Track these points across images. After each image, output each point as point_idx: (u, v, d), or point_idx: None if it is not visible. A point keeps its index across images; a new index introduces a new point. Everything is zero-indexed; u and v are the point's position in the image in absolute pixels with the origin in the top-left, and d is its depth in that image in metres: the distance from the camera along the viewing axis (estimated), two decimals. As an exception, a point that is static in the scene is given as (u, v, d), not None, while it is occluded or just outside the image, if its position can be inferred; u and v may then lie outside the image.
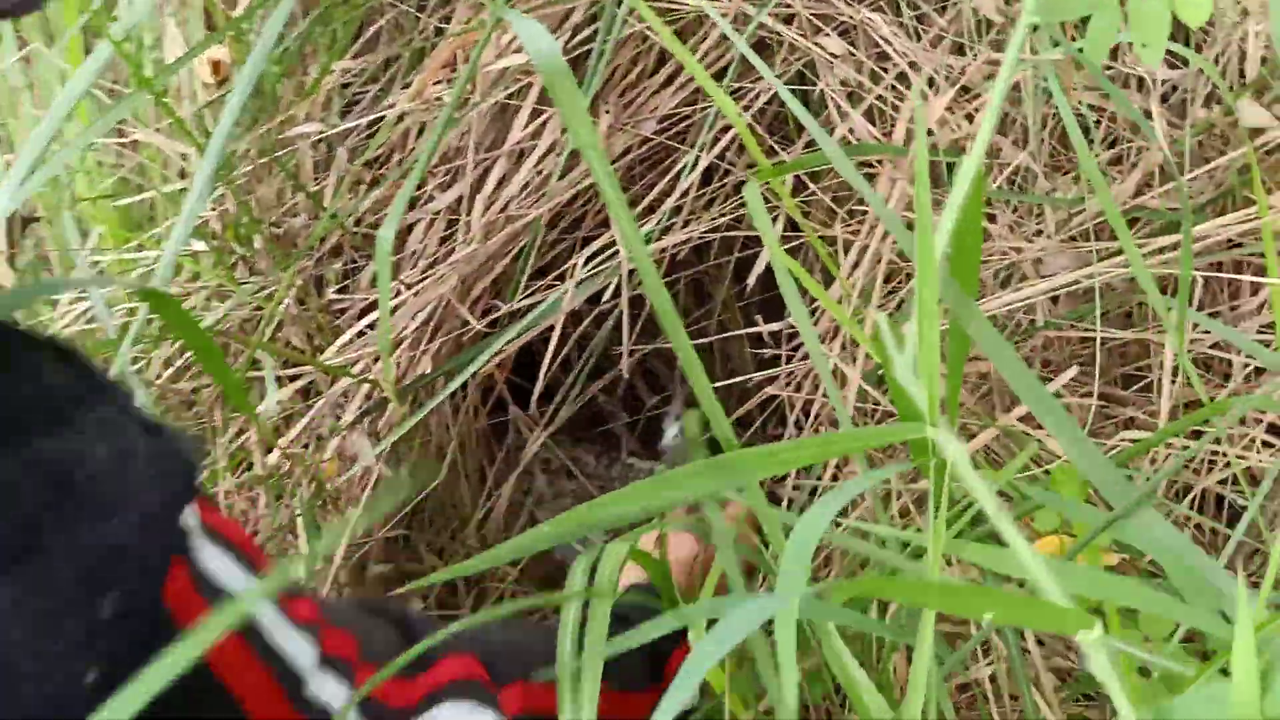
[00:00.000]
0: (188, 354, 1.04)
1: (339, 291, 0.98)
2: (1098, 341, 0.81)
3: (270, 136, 0.99)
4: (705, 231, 1.00)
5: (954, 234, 0.47)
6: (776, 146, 1.01)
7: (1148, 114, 0.88)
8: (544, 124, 0.97)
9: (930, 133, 0.93)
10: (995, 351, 0.50)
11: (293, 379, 0.94)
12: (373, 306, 0.96)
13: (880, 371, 0.83)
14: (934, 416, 0.42)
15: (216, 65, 0.95)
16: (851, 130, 0.94)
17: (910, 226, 0.98)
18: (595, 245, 0.98)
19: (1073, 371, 0.81)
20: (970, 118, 0.92)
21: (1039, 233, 0.88)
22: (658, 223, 0.97)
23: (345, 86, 1.08)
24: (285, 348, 0.94)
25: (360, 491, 0.93)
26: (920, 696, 0.40)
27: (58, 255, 1.18)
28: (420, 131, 0.99)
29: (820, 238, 1.02)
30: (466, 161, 0.95)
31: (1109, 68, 0.93)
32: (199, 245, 0.97)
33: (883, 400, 0.83)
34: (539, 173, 0.95)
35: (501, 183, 0.95)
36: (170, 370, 1.04)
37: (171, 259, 0.67)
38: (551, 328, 0.92)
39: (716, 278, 1.17)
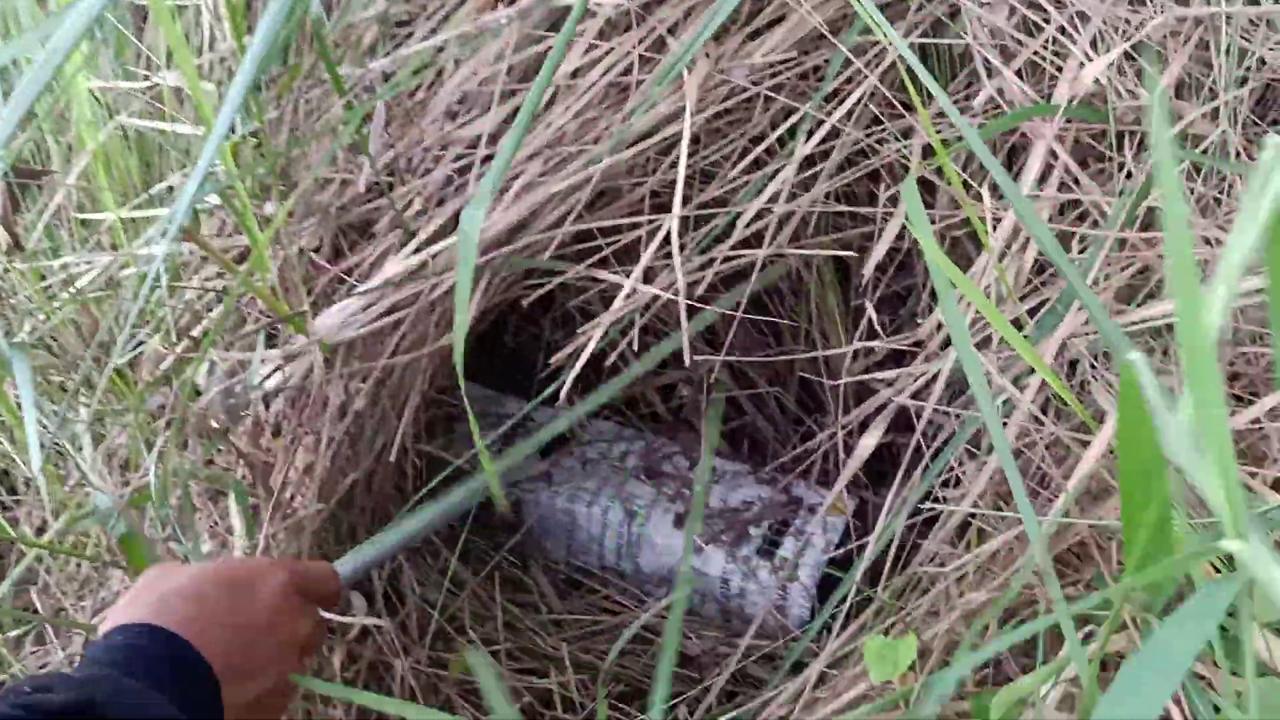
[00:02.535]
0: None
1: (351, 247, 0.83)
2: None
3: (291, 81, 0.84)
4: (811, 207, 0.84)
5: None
6: (902, 108, 0.84)
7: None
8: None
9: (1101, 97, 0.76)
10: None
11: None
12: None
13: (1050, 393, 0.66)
14: (1239, 526, 0.27)
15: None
16: (1001, 91, 0.78)
17: (1062, 209, 0.82)
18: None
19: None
20: (1141, 75, 0.75)
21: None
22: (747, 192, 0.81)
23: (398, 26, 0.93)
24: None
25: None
26: None
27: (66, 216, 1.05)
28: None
29: (941, 224, 0.86)
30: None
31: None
32: (213, 198, 0.83)
33: (1046, 424, 0.66)
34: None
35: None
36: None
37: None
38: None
39: (810, 262, 1.01)
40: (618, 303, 0.80)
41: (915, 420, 0.87)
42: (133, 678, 0.42)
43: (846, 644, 0.66)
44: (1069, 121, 0.78)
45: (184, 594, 0.47)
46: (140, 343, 0.97)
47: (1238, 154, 0.75)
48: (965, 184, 0.81)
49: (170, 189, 0.96)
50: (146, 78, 0.96)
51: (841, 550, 0.95)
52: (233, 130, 0.84)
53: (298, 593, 0.52)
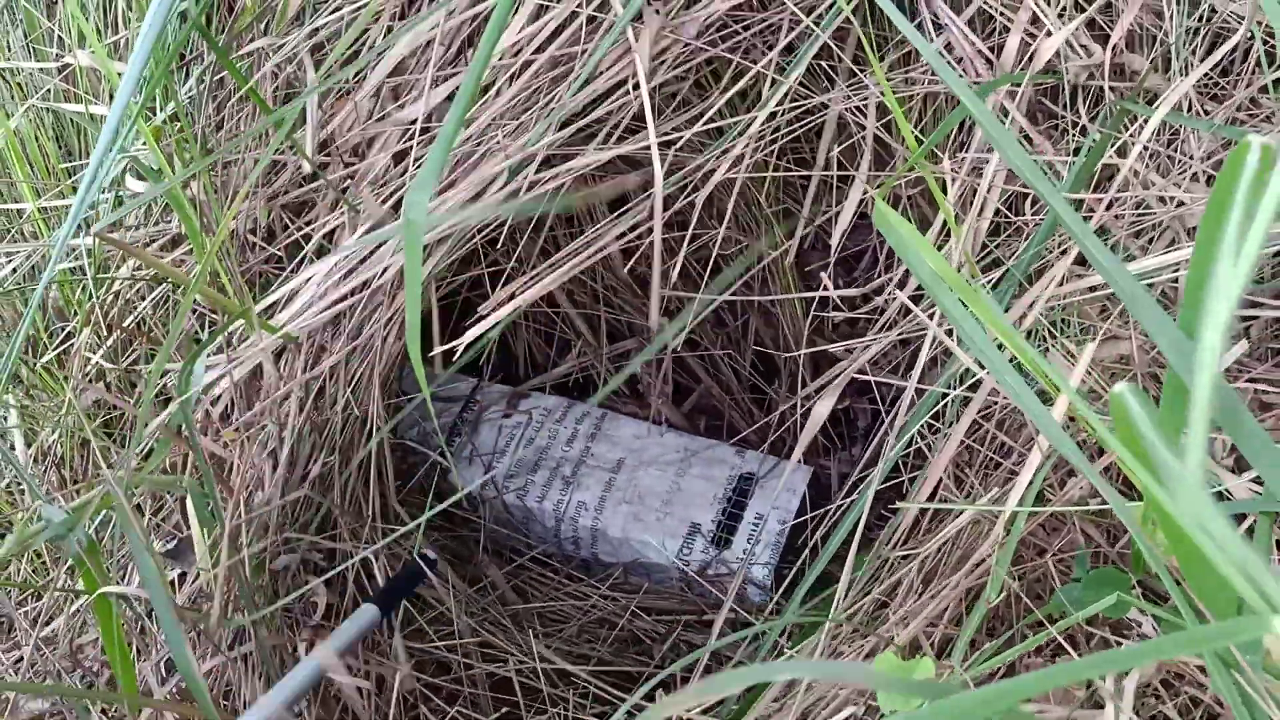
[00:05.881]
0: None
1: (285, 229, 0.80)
2: None
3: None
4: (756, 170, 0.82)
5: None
6: (854, 64, 0.82)
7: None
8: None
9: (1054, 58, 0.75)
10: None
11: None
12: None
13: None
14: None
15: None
16: (950, 46, 0.76)
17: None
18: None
19: None
20: (1105, 40, 0.74)
21: (1192, 176, 0.70)
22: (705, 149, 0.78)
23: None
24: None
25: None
26: None
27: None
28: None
29: (895, 185, 0.85)
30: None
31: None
32: (137, 185, 0.79)
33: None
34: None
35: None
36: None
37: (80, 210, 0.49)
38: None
39: (760, 226, 0.99)
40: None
41: (875, 391, 0.86)
42: None
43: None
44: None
45: None
46: (69, 333, 0.93)
47: (1189, 107, 0.74)
48: (919, 142, 0.80)
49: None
50: (58, 57, 0.90)
51: (801, 519, 0.93)
52: (153, 112, 0.80)
53: None
